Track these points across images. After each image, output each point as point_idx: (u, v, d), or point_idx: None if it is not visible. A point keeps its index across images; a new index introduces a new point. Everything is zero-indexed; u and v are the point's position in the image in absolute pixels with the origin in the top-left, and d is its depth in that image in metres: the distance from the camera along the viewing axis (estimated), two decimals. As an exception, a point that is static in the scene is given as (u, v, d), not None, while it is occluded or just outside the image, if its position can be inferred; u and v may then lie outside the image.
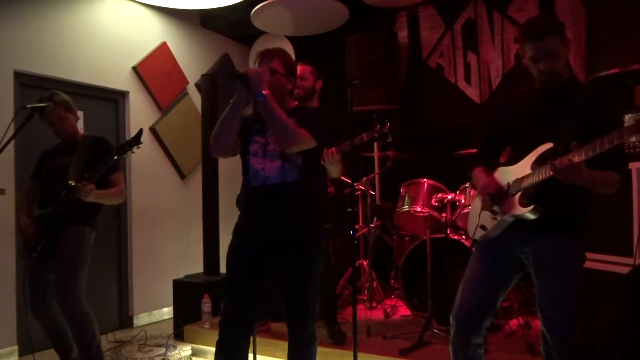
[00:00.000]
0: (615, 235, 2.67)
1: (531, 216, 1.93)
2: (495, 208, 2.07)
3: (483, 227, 2.12)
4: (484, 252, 2.15)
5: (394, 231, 4.36)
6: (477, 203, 2.22)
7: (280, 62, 2.26)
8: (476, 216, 2.19)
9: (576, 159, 1.71)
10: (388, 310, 3.88)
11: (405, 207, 3.74)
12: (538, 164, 1.93)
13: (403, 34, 5.04)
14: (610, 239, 2.71)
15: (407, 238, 4.24)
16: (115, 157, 2.79)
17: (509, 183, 2.03)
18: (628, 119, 2.68)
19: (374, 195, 4.63)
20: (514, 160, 2.07)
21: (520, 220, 1.98)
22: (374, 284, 4.08)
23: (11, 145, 3.00)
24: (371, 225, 4.12)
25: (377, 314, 3.85)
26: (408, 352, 3.01)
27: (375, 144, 4.45)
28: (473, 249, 2.24)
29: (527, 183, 1.94)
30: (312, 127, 2.18)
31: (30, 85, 3.93)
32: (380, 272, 4.37)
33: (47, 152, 3.16)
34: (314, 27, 4.78)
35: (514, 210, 1.98)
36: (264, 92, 2.11)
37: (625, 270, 2.43)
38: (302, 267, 2.22)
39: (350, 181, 3.97)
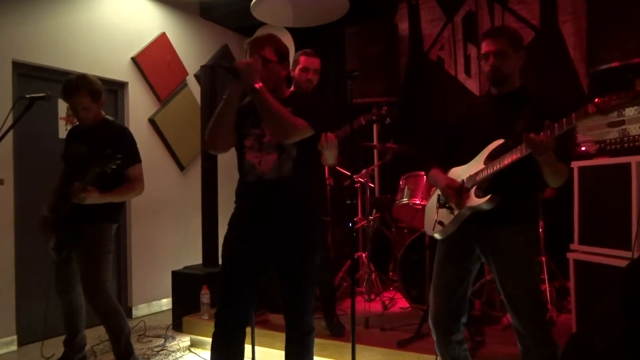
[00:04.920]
0: (614, 228, 2.67)
1: (486, 207, 2.02)
2: (452, 204, 2.15)
3: (441, 223, 2.20)
4: (446, 253, 2.23)
5: (392, 224, 4.36)
6: (433, 201, 2.30)
7: (272, 49, 2.20)
8: (433, 214, 2.26)
9: (548, 134, 1.83)
10: (386, 302, 3.89)
11: (405, 200, 3.74)
12: (490, 159, 2.04)
13: (404, 26, 5.02)
14: (608, 233, 2.71)
15: (405, 230, 4.24)
16: (98, 170, 2.70)
17: (463, 180, 2.13)
18: (629, 112, 2.67)
19: (373, 187, 4.62)
20: (464, 161, 2.18)
21: (476, 214, 2.07)
22: (373, 276, 4.09)
23: (10, 136, 2.99)
24: (370, 217, 4.12)
25: (376, 306, 3.86)
26: (406, 344, 3.02)
27: (375, 136, 4.45)
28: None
29: (482, 176, 2.05)
30: (309, 115, 2.15)
31: (28, 75, 3.92)
32: (379, 265, 4.37)
33: (72, 131, 3.14)
34: (314, 19, 4.74)
35: (470, 203, 2.07)
36: (255, 85, 2.05)
37: (623, 263, 2.43)
38: (298, 260, 2.21)
39: (349, 173, 3.97)
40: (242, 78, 2.05)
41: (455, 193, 2.12)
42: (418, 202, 3.64)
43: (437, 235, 2.24)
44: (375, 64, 4.58)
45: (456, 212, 2.13)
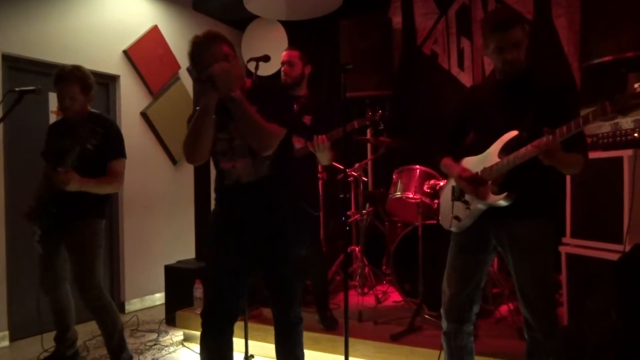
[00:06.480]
0: (606, 222, 2.68)
1: (504, 203, 2.00)
2: (467, 198, 2.13)
3: (457, 218, 2.18)
4: (461, 242, 2.21)
5: (386, 217, 4.37)
6: (447, 194, 2.28)
7: (226, 45, 2.05)
8: (448, 207, 2.23)
9: (552, 140, 1.80)
10: (380, 296, 3.90)
11: (398, 194, 3.74)
12: (505, 152, 2.00)
13: (397, 20, 5.01)
14: (600, 226, 2.72)
15: (399, 224, 4.24)
16: (78, 148, 2.66)
17: (477, 172, 2.09)
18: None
19: (367, 181, 4.62)
20: (478, 149, 2.13)
21: (492, 208, 2.05)
22: (366, 270, 4.09)
23: (0, 129, 2.97)
24: (363, 211, 4.12)
25: (369, 300, 3.87)
26: (399, 337, 3.03)
27: (369, 130, 4.44)
28: None
29: (496, 171, 2.01)
30: (278, 114, 2.04)
31: (18, 68, 3.88)
32: (372, 258, 4.38)
33: (54, 126, 3.12)
34: (307, 12, 4.72)
35: (487, 199, 2.04)
36: (234, 93, 1.94)
37: (615, 257, 2.44)
38: (281, 255, 2.19)
39: (342, 167, 3.96)
40: (219, 86, 1.91)
41: (469, 184, 2.07)
42: (411, 195, 3.64)
43: (453, 230, 2.23)
44: (368, 58, 4.56)
45: (472, 207, 2.11)
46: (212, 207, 4.33)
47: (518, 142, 1.95)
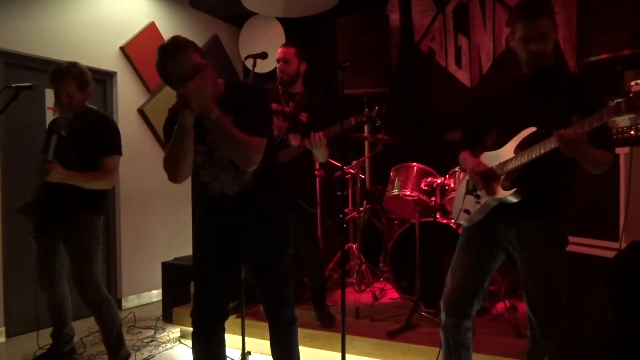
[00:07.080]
0: (602, 219, 2.69)
1: (513, 199, 1.96)
2: (480, 192, 2.10)
3: (467, 211, 2.16)
4: (470, 238, 2.18)
5: (383, 215, 4.37)
6: (462, 188, 2.25)
7: (197, 53, 1.90)
8: (460, 201, 2.21)
9: (579, 130, 1.70)
10: (377, 293, 3.91)
11: (395, 191, 3.75)
12: (521, 148, 1.95)
13: (395, 17, 5.00)
14: (596, 223, 2.74)
15: (396, 222, 4.25)
16: (55, 136, 2.65)
17: (492, 167, 2.06)
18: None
19: (364, 179, 4.63)
20: (497, 145, 2.09)
21: (504, 204, 2.01)
22: (363, 267, 4.10)
23: (-4, 125, 2.96)
24: (361, 209, 4.12)
25: (366, 297, 3.87)
26: (396, 334, 3.03)
27: (366, 127, 4.44)
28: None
29: (510, 166, 1.97)
30: (256, 122, 1.99)
31: (15, 64, 3.86)
32: (370, 256, 4.39)
33: (54, 122, 3.07)
34: (305, 9, 4.72)
35: (497, 194, 2.01)
36: (212, 112, 1.86)
37: (611, 254, 2.45)
38: (269, 258, 2.19)
39: (340, 164, 3.96)
40: (193, 107, 1.83)
41: (482, 178, 2.04)
42: (408, 193, 3.64)
43: (462, 223, 2.21)
44: (366, 55, 4.55)
45: (482, 201, 2.08)
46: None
47: (536, 138, 1.89)
